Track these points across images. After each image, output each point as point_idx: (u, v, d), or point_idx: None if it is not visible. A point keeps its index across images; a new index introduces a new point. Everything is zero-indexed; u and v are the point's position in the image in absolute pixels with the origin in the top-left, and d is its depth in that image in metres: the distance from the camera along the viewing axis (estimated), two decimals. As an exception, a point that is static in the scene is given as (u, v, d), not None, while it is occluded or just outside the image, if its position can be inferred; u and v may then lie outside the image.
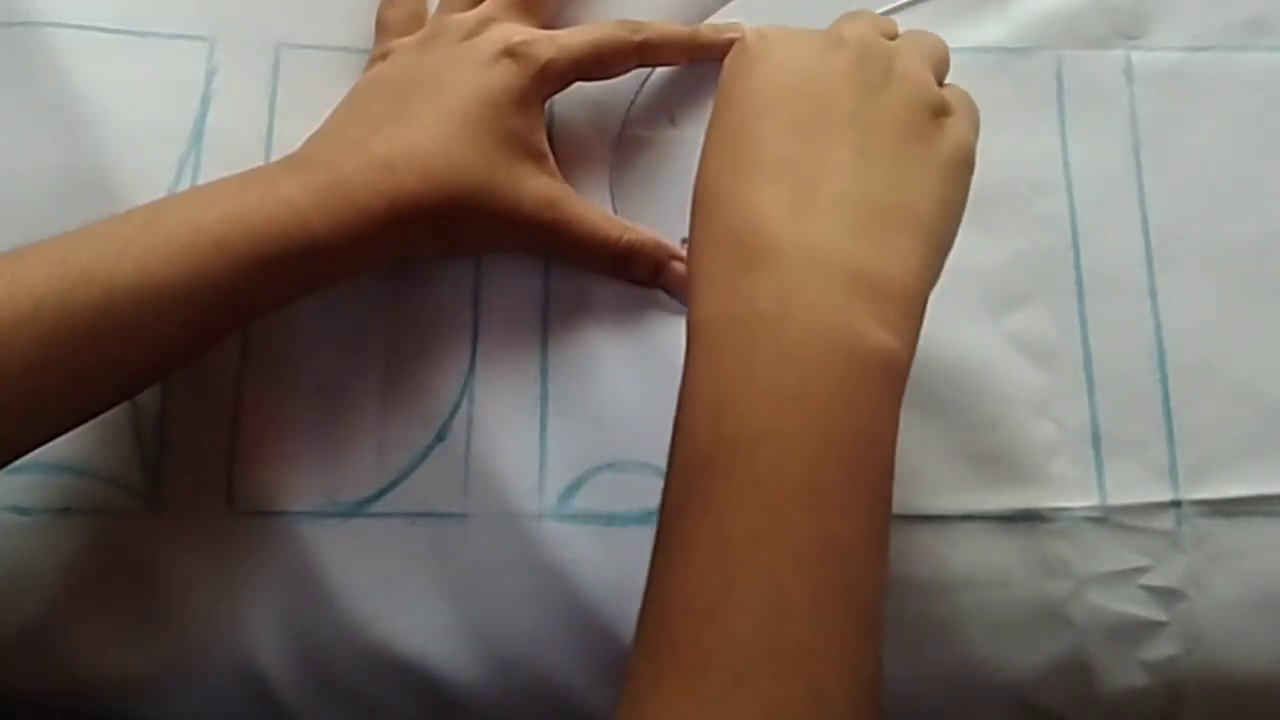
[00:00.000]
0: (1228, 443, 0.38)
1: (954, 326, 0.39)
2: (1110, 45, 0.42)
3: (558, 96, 0.40)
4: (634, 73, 0.41)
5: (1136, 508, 0.38)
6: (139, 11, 0.42)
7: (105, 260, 0.32)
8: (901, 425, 0.30)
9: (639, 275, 0.39)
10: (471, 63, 0.38)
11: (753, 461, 0.28)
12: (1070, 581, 0.37)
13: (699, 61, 0.41)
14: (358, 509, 0.38)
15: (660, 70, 0.42)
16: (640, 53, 0.40)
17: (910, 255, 0.30)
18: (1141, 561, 0.37)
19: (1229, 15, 0.42)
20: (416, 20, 0.41)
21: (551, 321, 0.39)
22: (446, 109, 0.37)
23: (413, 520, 0.38)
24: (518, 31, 0.39)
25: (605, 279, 0.40)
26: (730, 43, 0.40)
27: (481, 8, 0.40)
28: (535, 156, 0.38)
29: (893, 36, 0.35)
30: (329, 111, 0.39)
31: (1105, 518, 0.37)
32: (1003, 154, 0.40)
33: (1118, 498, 0.38)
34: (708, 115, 0.33)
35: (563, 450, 0.38)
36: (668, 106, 0.42)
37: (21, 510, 0.37)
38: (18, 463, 0.33)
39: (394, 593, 0.37)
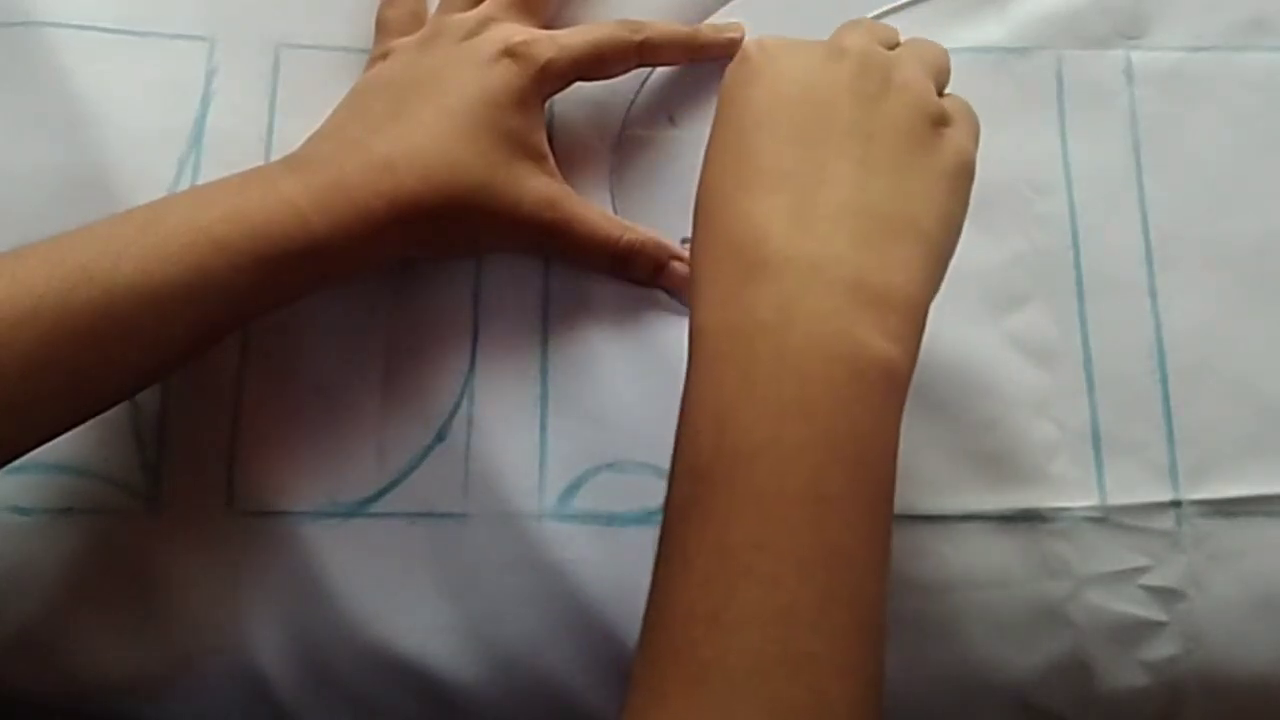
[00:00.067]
0: (1228, 443, 0.38)
1: (954, 327, 0.39)
2: (1110, 45, 0.42)
3: (558, 96, 0.40)
4: (634, 73, 0.41)
5: (1136, 508, 0.38)
6: (139, 11, 0.42)
7: (105, 260, 0.32)
8: (902, 425, 0.30)
9: (639, 275, 0.39)
10: (471, 63, 0.38)
11: (754, 471, 0.28)
12: (1070, 581, 0.37)
13: (699, 61, 0.41)
14: (358, 509, 0.38)
15: (660, 70, 0.42)
16: (640, 53, 0.40)
17: (911, 264, 0.30)
18: (1141, 561, 0.37)
19: (1229, 15, 0.42)
20: (416, 20, 0.41)
21: (551, 321, 0.39)
22: (446, 109, 0.37)
23: (413, 520, 0.38)
24: (518, 31, 0.39)
25: (605, 279, 0.40)
26: (730, 42, 0.41)
27: (481, 8, 0.40)
28: (535, 156, 0.38)
29: (893, 45, 0.35)
30: (329, 111, 0.39)
31: (1105, 518, 0.37)
32: (1003, 154, 0.40)
33: (1118, 498, 0.38)
34: (708, 115, 0.33)
35: (563, 450, 0.38)
36: (668, 106, 0.42)
37: (21, 510, 0.37)
38: (18, 463, 0.33)
39: (394, 593, 0.37)
